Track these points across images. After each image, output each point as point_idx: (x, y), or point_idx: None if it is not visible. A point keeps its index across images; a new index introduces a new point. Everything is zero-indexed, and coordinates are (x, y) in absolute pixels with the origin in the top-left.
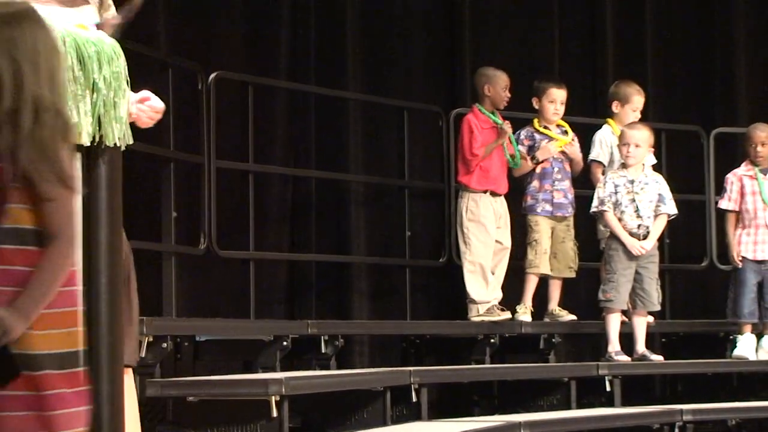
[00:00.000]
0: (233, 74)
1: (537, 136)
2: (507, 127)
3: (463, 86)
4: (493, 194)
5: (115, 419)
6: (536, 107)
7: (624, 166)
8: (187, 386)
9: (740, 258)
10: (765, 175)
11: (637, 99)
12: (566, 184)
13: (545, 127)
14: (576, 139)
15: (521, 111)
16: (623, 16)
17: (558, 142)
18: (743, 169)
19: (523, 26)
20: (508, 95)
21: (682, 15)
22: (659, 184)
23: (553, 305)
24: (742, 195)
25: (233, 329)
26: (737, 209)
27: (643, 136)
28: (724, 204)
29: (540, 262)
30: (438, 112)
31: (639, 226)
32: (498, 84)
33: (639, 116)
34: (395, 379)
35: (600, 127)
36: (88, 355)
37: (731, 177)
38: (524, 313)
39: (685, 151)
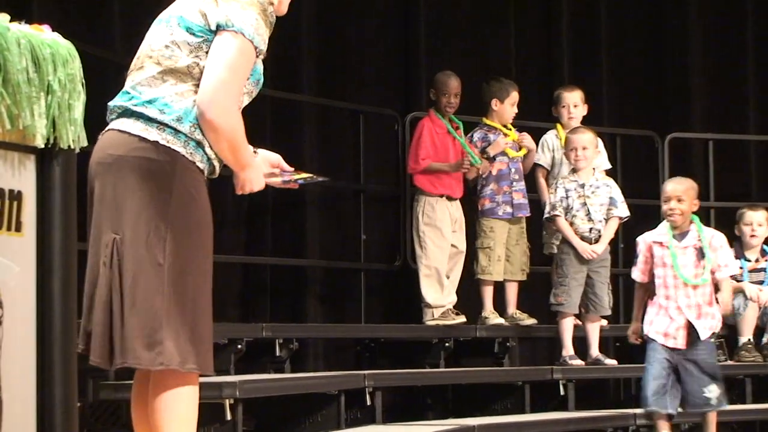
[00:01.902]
0: None
1: (491, 135)
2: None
3: (418, 90)
4: (449, 198)
5: (67, 424)
6: (495, 108)
7: (574, 170)
8: None
9: (638, 339)
10: (680, 241)
11: (564, 96)
12: (523, 184)
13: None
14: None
15: (478, 115)
16: (578, 22)
17: (508, 137)
18: (655, 233)
19: (480, 32)
20: (455, 102)
21: (637, 20)
22: (610, 188)
23: (512, 309)
24: (652, 265)
25: None
26: (647, 280)
27: (588, 139)
28: (635, 275)
29: (494, 269)
30: (394, 116)
31: (591, 229)
32: (440, 90)
33: (575, 113)
34: (350, 383)
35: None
36: (41, 358)
37: (641, 243)
38: (495, 317)
39: (639, 156)
